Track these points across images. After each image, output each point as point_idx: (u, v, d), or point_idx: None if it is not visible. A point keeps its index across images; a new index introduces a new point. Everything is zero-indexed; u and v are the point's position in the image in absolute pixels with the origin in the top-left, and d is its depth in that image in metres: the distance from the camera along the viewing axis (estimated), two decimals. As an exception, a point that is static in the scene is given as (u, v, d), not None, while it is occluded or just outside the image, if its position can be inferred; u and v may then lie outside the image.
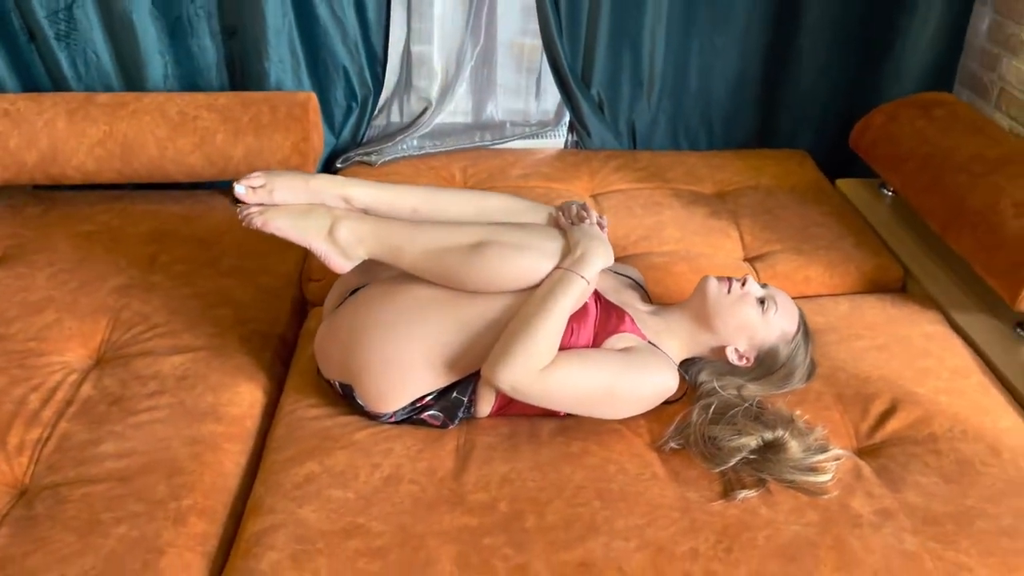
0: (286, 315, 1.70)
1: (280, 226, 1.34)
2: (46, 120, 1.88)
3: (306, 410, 1.41)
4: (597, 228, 1.39)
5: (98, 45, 2.07)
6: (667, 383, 1.37)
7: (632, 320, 1.41)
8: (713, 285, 1.42)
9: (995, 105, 2.22)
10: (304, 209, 1.36)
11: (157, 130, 1.89)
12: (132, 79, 2.11)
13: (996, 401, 1.44)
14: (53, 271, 1.74)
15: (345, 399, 1.40)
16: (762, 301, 1.42)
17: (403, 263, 1.34)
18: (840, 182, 2.21)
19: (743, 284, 1.42)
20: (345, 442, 1.34)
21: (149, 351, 1.53)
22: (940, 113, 1.99)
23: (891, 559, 1.14)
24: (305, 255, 1.86)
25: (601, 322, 1.39)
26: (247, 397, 1.45)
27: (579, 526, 1.19)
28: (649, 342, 1.40)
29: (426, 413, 1.35)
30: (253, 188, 1.36)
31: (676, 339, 1.44)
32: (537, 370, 1.26)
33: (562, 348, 1.33)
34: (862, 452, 1.35)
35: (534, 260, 1.30)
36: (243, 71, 2.16)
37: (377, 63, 2.18)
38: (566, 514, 1.20)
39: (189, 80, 2.14)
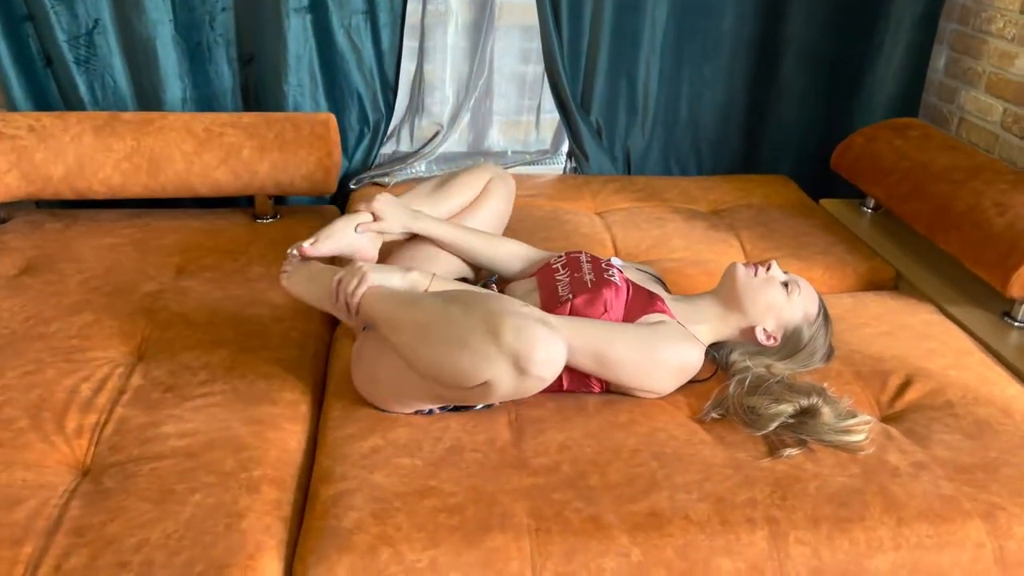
0: (320, 315, 1.74)
1: (298, 291, 1.46)
2: (73, 135, 1.91)
3: (356, 396, 1.45)
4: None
5: (116, 70, 2.13)
6: (690, 354, 1.44)
7: (663, 303, 1.50)
8: (741, 269, 1.53)
9: (956, 133, 2.43)
10: (313, 274, 1.46)
11: (183, 145, 1.94)
12: (149, 102, 2.16)
13: (999, 375, 1.56)
14: (84, 278, 1.76)
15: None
16: (786, 284, 1.53)
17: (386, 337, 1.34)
18: (824, 201, 2.37)
19: (768, 269, 1.53)
20: (403, 422, 1.38)
21: (193, 346, 1.55)
22: (914, 134, 2.18)
23: (932, 501, 1.23)
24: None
25: (633, 301, 1.47)
26: (298, 383, 1.48)
27: (641, 483, 1.25)
28: (680, 324, 1.49)
29: None
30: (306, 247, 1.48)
31: (705, 323, 1.54)
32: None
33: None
34: (886, 419, 1.45)
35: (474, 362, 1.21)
36: (257, 96, 2.24)
37: (389, 89, 2.28)
38: (627, 473, 1.27)
39: (206, 104, 2.21)
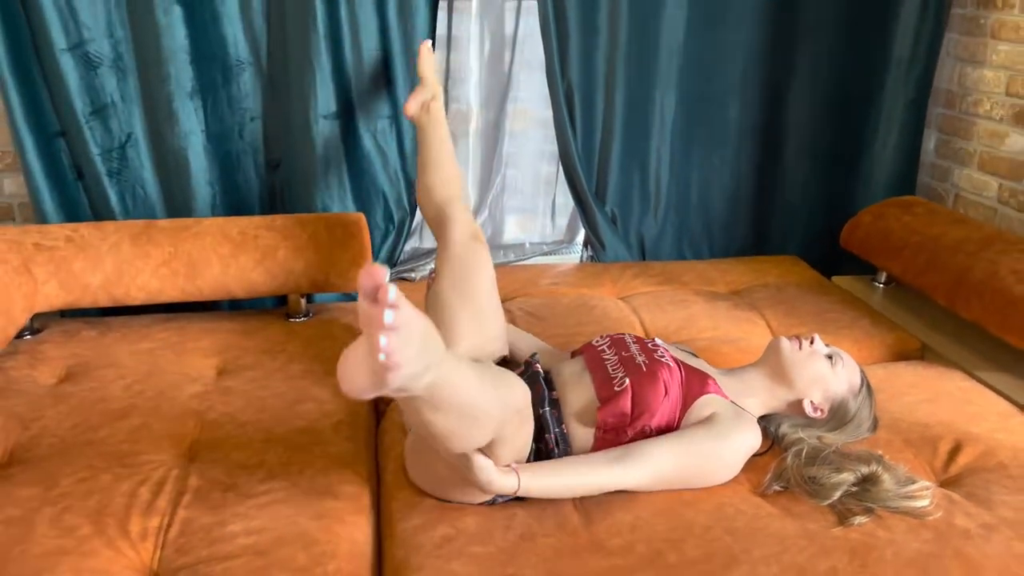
0: (366, 409, 1.74)
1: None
2: (111, 244, 1.94)
3: (413, 487, 1.44)
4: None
5: (147, 181, 2.18)
6: (751, 441, 1.47)
7: (715, 382, 1.53)
8: (786, 343, 1.57)
9: (953, 209, 2.54)
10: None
11: (220, 248, 1.98)
12: (179, 210, 2.21)
13: (1044, 435, 1.60)
14: (126, 383, 1.75)
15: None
16: (830, 357, 1.57)
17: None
18: (836, 278, 2.45)
19: (811, 342, 1.57)
20: (469, 511, 1.37)
21: (245, 444, 1.55)
22: (920, 210, 2.28)
23: (1009, 562, 1.24)
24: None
25: (687, 383, 1.50)
26: (355, 476, 1.47)
27: (719, 558, 1.25)
28: (732, 402, 1.52)
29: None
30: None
31: (755, 397, 1.56)
32: (629, 479, 1.37)
33: (654, 409, 1.44)
34: (944, 484, 1.47)
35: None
36: (283, 199, 2.29)
37: (413, 188, 2.34)
38: (704, 549, 1.26)
39: (234, 209, 2.25)
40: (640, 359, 1.52)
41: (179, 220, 2.05)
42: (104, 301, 1.95)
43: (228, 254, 1.98)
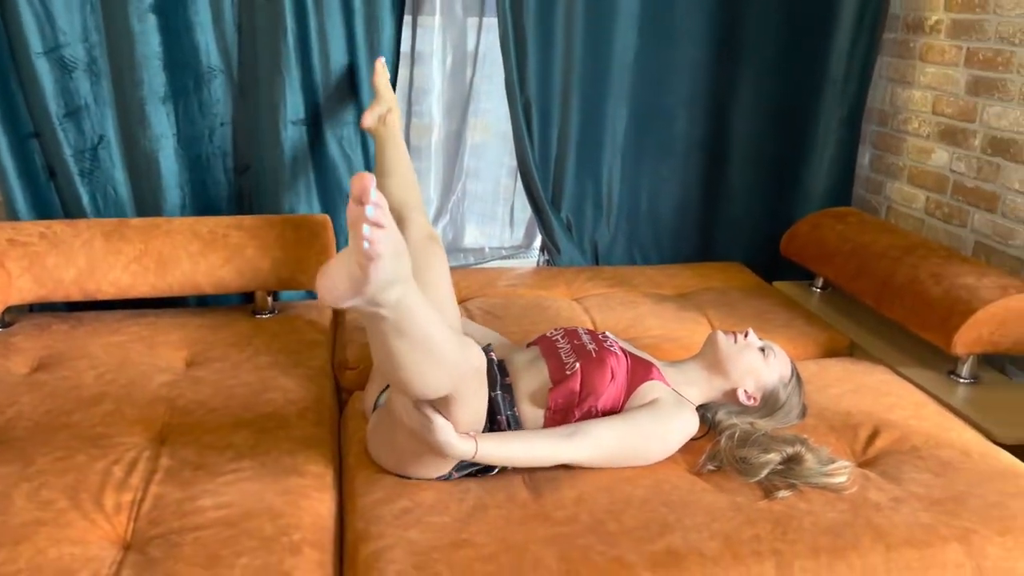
0: (330, 397, 1.84)
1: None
2: (83, 240, 2.02)
3: (375, 468, 1.54)
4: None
5: (118, 181, 2.25)
6: (690, 426, 1.60)
7: (658, 370, 1.66)
8: (722, 337, 1.70)
9: (885, 220, 2.71)
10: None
11: (189, 246, 2.06)
12: (148, 210, 2.28)
13: (954, 422, 1.75)
14: (98, 372, 1.83)
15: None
16: (763, 350, 1.70)
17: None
18: (777, 284, 2.60)
19: (746, 336, 1.71)
20: (426, 486, 1.47)
21: (215, 428, 1.63)
22: (853, 220, 2.44)
23: (914, 530, 1.38)
24: (334, 349, 2.03)
25: (632, 370, 1.63)
26: (320, 457, 1.57)
27: (655, 526, 1.36)
28: (673, 389, 1.65)
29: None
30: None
31: (694, 386, 1.69)
32: (577, 453, 1.49)
33: (600, 392, 1.56)
34: (862, 465, 1.61)
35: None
36: (251, 201, 2.38)
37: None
38: (641, 518, 1.38)
39: (202, 211, 2.33)
40: (591, 347, 1.64)
41: (150, 219, 2.13)
42: (76, 295, 2.02)
43: (197, 252, 2.06)
